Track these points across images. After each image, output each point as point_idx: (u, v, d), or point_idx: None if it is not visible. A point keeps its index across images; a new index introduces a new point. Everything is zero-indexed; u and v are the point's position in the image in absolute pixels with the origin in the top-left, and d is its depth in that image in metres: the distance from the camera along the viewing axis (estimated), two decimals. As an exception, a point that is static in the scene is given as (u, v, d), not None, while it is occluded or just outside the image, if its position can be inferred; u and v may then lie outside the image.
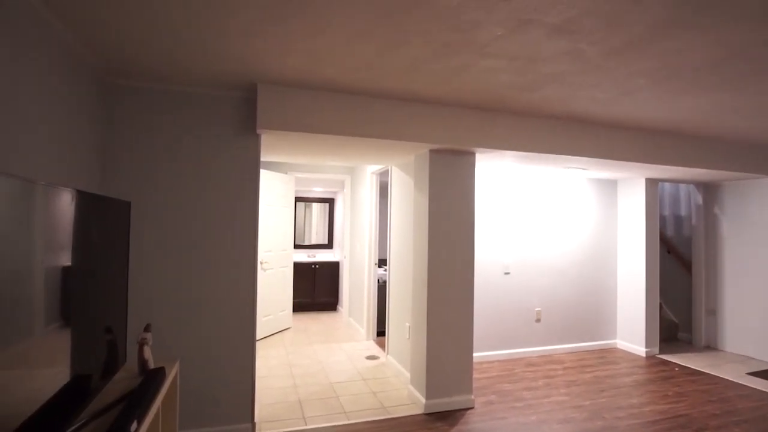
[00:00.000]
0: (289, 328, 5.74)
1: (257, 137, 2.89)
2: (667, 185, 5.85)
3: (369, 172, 5.23)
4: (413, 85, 2.66)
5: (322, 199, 7.35)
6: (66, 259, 1.41)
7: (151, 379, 1.83)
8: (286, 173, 5.75)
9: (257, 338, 4.52)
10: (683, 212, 5.68)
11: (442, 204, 3.31)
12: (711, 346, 5.09)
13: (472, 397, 3.36)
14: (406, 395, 3.52)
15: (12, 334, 1.13)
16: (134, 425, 1.45)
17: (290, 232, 5.77)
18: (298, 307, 6.66)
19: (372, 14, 1.78)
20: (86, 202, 1.57)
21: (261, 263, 5.12)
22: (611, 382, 3.90)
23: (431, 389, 3.25)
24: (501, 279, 4.55)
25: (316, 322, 6.14)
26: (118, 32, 1.99)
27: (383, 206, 6.04)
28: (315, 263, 6.80)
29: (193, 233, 2.75)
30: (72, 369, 1.44)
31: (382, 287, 5.33)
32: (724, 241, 5.03)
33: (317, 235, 7.32)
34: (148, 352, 1.99)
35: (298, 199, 7.07)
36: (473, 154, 3.39)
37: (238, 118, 2.85)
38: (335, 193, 7.41)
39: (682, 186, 5.64)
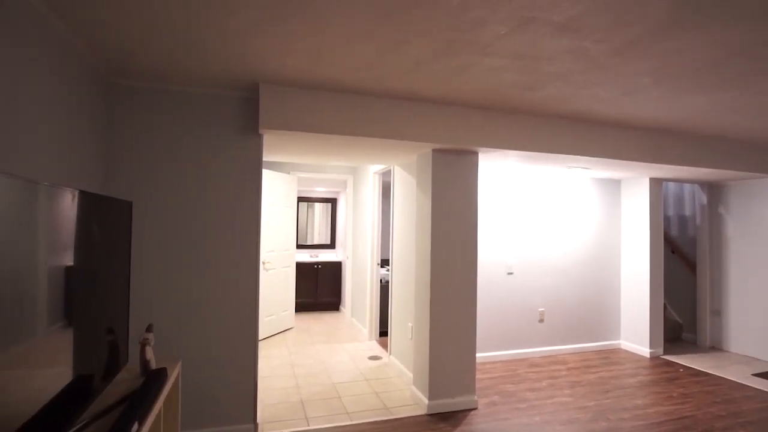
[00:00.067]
0: (291, 328, 5.74)
1: (259, 137, 2.88)
2: (671, 185, 5.81)
3: (371, 172, 5.22)
4: (415, 85, 2.65)
5: (325, 199, 7.34)
6: (68, 260, 1.41)
7: (153, 379, 1.82)
8: (289, 173, 5.75)
9: (260, 338, 4.51)
10: (687, 212, 5.65)
11: (444, 204, 3.30)
12: (716, 347, 5.06)
13: (475, 397, 3.35)
14: (409, 396, 3.51)
15: (15, 334, 1.13)
16: (135, 426, 1.45)
17: (293, 232, 5.77)
18: (301, 307, 6.66)
19: (372, 14, 1.77)
20: (88, 203, 1.56)
21: (263, 263, 5.12)
22: (615, 383, 3.88)
23: (434, 390, 3.23)
24: (504, 279, 4.53)
25: (318, 322, 6.14)
26: (118, 32, 1.99)
27: (386, 206, 6.03)
28: (317, 263, 6.79)
29: (194, 233, 2.75)
30: (74, 369, 1.44)
31: (384, 287, 5.32)
32: (729, 241, 4.99)
33: (320, 235, 7.32)
34: (150, 353, 1.99)
35: (300, 199, 7.07)
36: (476, 153, 3.38)
37: (238, 118, 2.85)
38: (338, 193, 7.40)
39: (687, 186, 5.60)
